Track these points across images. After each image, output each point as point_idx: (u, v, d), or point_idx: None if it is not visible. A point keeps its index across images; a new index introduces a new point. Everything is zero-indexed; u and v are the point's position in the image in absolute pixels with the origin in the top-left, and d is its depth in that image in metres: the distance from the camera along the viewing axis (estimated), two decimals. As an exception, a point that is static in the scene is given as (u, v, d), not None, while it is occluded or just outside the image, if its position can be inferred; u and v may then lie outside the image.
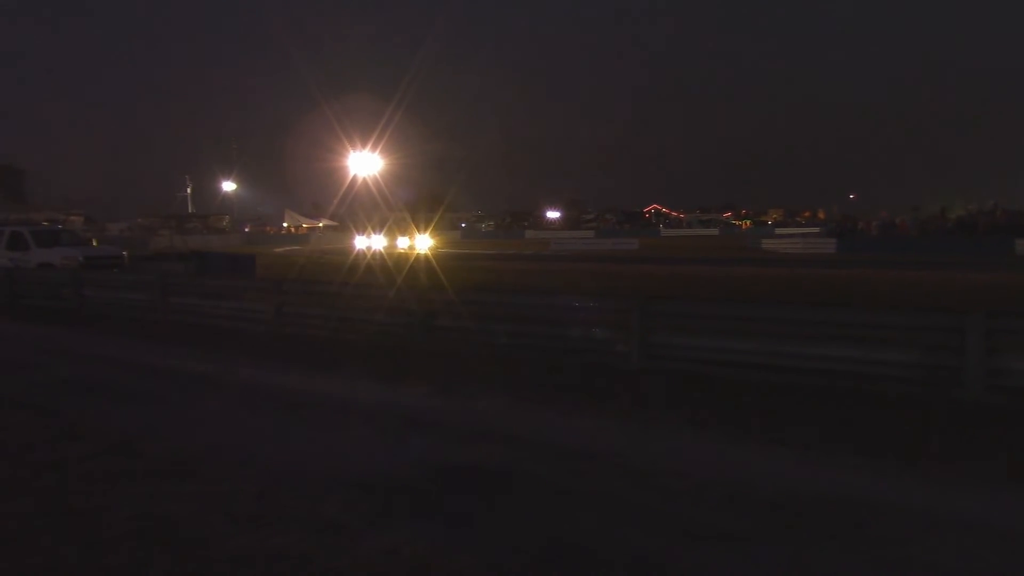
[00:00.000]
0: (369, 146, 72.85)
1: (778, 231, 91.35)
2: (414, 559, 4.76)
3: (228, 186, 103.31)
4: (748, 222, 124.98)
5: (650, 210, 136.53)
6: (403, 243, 61.01)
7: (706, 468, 6.57)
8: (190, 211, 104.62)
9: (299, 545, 4.96)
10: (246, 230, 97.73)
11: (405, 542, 4.98)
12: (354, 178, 75.73)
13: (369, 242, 54.95)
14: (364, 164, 74.66)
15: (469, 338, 12.60)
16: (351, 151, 74.06)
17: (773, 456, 6.92)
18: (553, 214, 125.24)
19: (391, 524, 5.32)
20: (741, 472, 6.47)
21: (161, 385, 10.38)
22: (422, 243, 55.44)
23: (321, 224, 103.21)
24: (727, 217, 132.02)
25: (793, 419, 8.11)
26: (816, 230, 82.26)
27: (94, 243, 31.64)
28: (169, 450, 7.12)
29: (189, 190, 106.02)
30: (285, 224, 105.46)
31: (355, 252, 51.13)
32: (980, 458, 6.76)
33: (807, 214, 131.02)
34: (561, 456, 6.92)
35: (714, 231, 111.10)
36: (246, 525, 5.29)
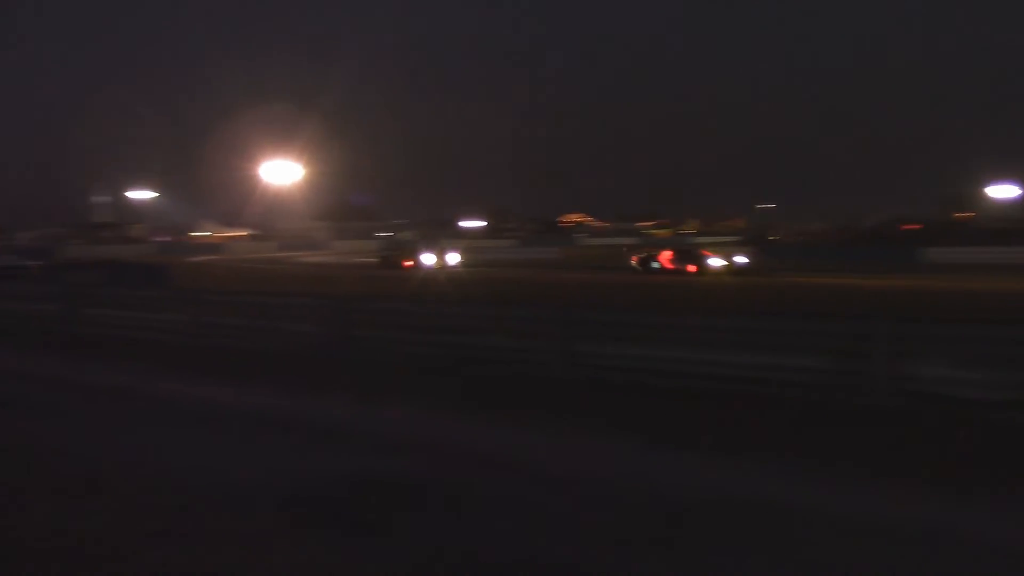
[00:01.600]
0: (287, 156, 72.11)
1: (698, 240, 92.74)
2: (330, 571, 4.74)
3: (143, 195, 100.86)
4: (668, 231, 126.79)
5: (571, 220, 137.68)
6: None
7: (624, 475, 6.69)
8: (103, 220, 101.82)
9: (213, 559, 4.90)
10: (161, 239, 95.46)
11: (321, 554, 4.96)
12: (270, 187, 74.86)
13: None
14: (282, 173, 73.86)
15: (389, 348, 12.58)
16: (269, 160, 73.22)
17: (689, 461, 7.07)
18: (475, 223, 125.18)
19: (307, 536, 5.28)
20: (658, 477, 6.59)
21: (73, 399, 10.11)
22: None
23: (238, 233, 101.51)
24: (649, 226, 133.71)
25: (708, 425, 8.27)
26: (734, 239, 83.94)
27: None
28: (81, 466, 6.95)
29: (102, 199, 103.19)
30: (201, 233, 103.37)
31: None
32: (878, 458, 7.00)
33: (726, 223, 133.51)
34: (481, 465, 6.95)
35: (634, 240, 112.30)
36: (159, 540, 5.20)
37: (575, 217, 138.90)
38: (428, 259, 44.41)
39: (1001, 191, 64.50)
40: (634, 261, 38.18)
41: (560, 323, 11.09)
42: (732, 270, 34.73)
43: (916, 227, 61.02)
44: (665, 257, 36.61)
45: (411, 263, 43.53)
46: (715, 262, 35.03)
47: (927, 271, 35.70)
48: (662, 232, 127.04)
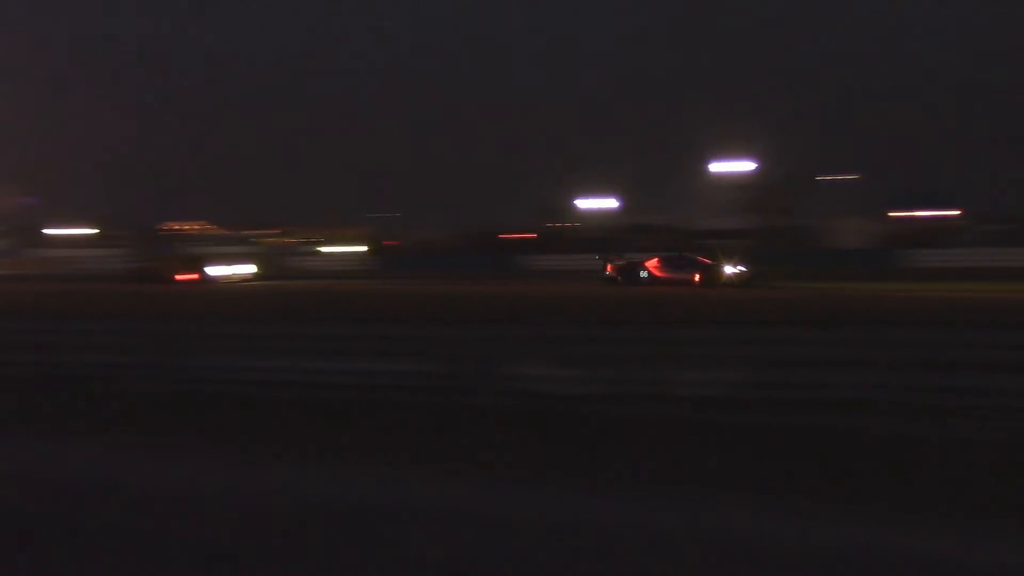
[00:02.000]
0: None
1: (321, 248, 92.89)
2: None
3: None
4: (292, 239, 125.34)
5: (177, 227, 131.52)
6: None
7: (226, 489, 6.40)
8: None
9: None
10: None
11: None
12: None
13: None
14: None
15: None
16: None
17: (297, 471, 6.93)
18: (77, 231, 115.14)
19: None
20: (263, 490, 6.38)
21: None
22: None
23: None
24: (271, 233, 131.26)
25: (317, 434, 8.17)
26: (358, 248, 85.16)
27: None
28: None
29: None
30: None
31: None
32: (472, 456, 7.28)
33: (350, 231, 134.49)
34: (61, 491, 6.33)
35: (256, 248, 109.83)
36: None
37: (185, 224, 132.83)
38: (217, 271, 38.86)
39: (598, 203, 71.12)
40: (609, 270, 32.85)
41: (159, 336, 10.51)
42: (743, 279, 31.15)
43: (529, 236, 66.01)
44: (652, 265, 32.10)
45: (188, 276, 37.54)
46: (729, 269, 31.01)
47: (528, 277, 38.56)
48: (285, 239, 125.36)
